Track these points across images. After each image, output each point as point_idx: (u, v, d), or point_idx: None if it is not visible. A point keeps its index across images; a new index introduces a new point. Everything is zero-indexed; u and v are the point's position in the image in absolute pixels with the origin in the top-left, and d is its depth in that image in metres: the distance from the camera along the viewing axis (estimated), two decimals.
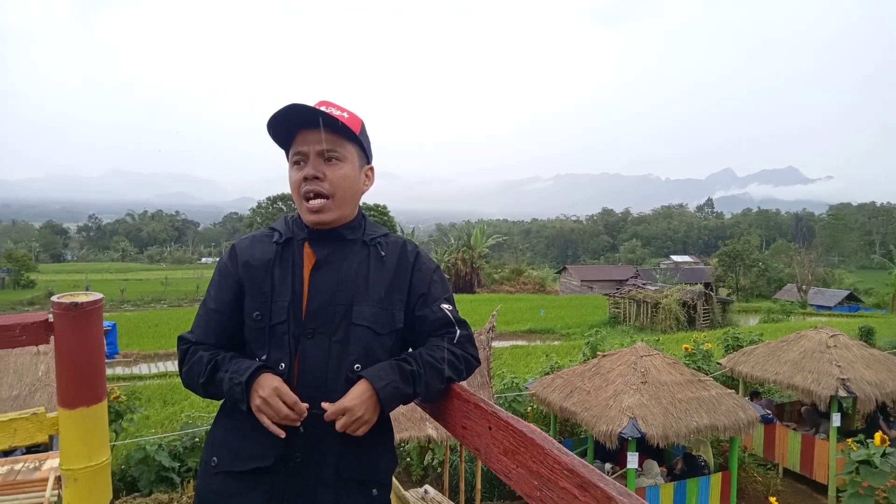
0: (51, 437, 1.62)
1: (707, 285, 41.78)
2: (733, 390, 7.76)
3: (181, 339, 1.65)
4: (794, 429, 9.14)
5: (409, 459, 9.38)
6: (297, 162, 1.60)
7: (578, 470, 0.99)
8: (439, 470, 8.92)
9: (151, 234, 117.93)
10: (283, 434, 1.44)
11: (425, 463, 9.22)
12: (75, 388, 1.46)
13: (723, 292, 46.30)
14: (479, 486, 7.44)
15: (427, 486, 5.23)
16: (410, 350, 1.65)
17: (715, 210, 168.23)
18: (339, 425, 1.45)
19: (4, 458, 5.65)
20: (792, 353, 8.99)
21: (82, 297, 1.45)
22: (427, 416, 6.66)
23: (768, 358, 9.22)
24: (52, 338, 1.49)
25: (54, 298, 1.47)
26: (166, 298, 47.85)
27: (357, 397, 1.46)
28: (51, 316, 1.47)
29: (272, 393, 1.42)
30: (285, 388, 1.45)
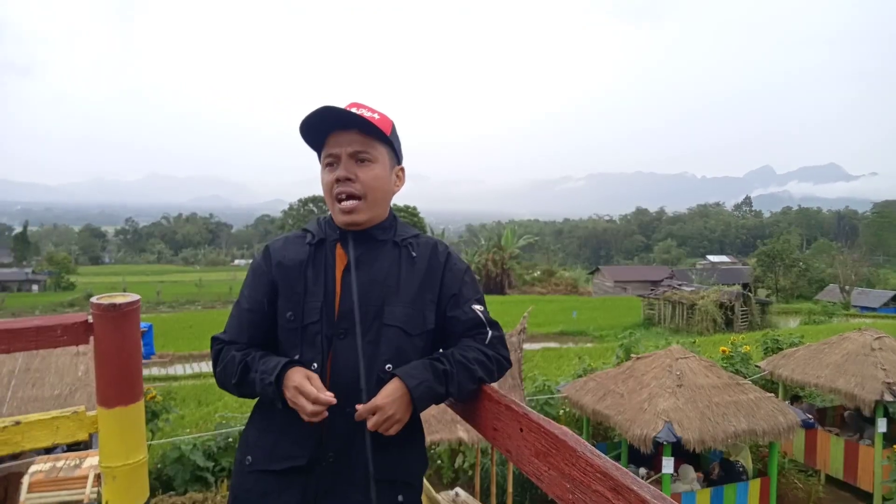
0: (90, 436, 1.65)
1: (745, 286, 40.94)
2: (773, 394, 7.55)
3: (214, 339, 1.67)
4: (837, 434, 8.87)
5: (439, 462, 9.38)
6: (329, 164, 1.62)
7: (612, 473, 0.97)
8: (470, 473, 8.90)
9: (186, 237, 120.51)
10: (324, 415, 1.42)
11: (456, 466, 9.20)
12: (114, 388, 1.49)
13: (761, 293, 45.29)
14: (510, 489, 7.39)
15: (458, 489, 5.22)
16: (442, 350, 1.64)
17: (753, 209, 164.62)
18: (371, 424, 1.44)
19: (47, 455, 5.82)
20: (834, 356, 8.73)
21: (120, 299, 1.48)
22: (458, 418, 6.65)
23: (809, 361, 8.96)
24: (91, 338, 1.52)
25: (93, 300, 1.49)
26: (200, 300, 48.83)
27: (389, 395, 1.45)
28: (90, 317, 1.50)
29: (303, 380, 1.43)
30: (315, 378, 1.46)
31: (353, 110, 1.58)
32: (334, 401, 1.43)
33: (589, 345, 26.04)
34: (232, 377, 1.56)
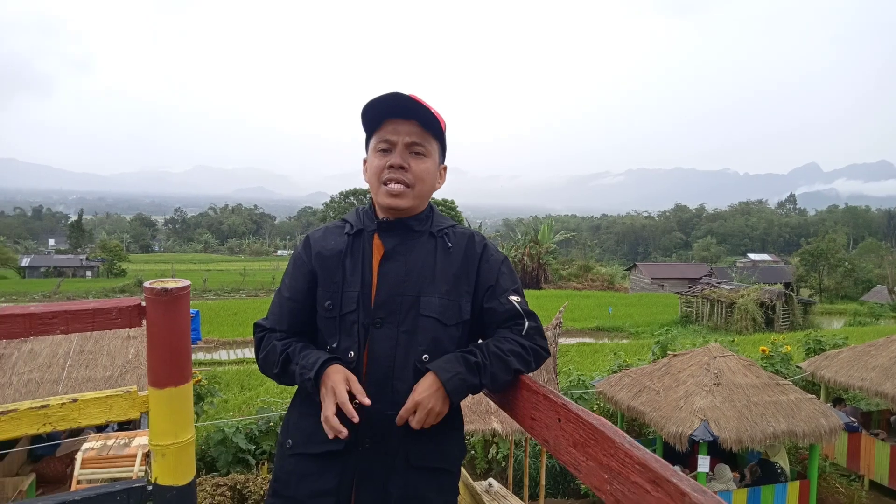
0: (140, 416, 1.74)
1: (787, 285, 39.78)
2: (814, 395, 7.38)
3: (257, 325, 1.72)
4: (883, 439, 8.60)
5: (473, 452, 9.44)
6: (383, 149, 1.63)
7: (651, 465, 0.97)
8: (503, 464, 8.94)
9: (231, 227, 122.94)
10: (343, 434, 1.46)
11: (489, 456, 9.25)
12: (164, 369, 1.56)
13: (804, 293, 43.95)
14: (543, 482, 7.40)
15: (491, 480, 5.25)
16: (480, 341, 1.66)
17: (797, 206, 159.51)
18: (414, 422, 1.48)
19: (98, 434, 6.08)
20: (881, 359, 8.47)
21: (172, 284, 1.54)
22: (492, 409, 6.69)
23: (854, 363, 8.71)
24: (143, 321, 1.60)
25: (146, 284, 1.56)
26: (244, 288, 49.80)
27: (426, 390, 1.49)
28: (143, 301, 1.58)
29: (339, 384, 1.47)
30: (353, 379, 1.49)
31: (405, 94, 1.60)
32: (368, 402, 1.46)
33: (624, 341, 25.72)
34: (273, 367, 1.62)
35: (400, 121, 1.61)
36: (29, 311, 1.53)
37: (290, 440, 1.64)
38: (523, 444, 8.30)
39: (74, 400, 1.61)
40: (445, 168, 1.75)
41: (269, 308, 1.73)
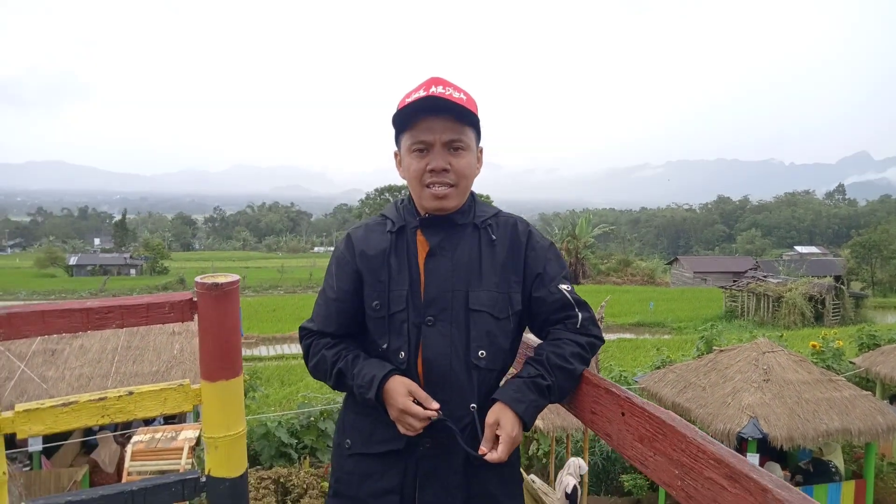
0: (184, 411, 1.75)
1: (837, 278, 38.48)
2: (869, 392, 7.12)
3: (303, 329, 1.69)
4: None
5: None
6: (419, 150, 1.57)
7: (727, 460, 0.93)
8: (544, 461, 8.87)
9: (269, 225, 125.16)
10: (424, 424, 1.46)
11: (530, 453, 9.19)
12: (216, 363, 1.57)
13: (855, 286, 42.48)
14: (586, 479, 7.32)
15: (533, 476, 5.21)
16: (536, 347, 1.59)
17: (847, 197, 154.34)
18: (500, 454, 1.44)
19: (146, 427, 6.24)
20: None
21: (222, 278, 1.55)
22: None
23: None
24: (195, 315, 1.62)
25: (198, 279, 1.57)
26: (282, 285, 50.64)
27: (514, 428, 1.46)
28: (195, 295, 1.59)
29: (406, 401, 1.45)
30: (416, 388, 1.48)
31: (440, 88, 1.53)
32: (437, 410, 1.45)
33: (667, 336, 25.30)
34: (327, 379, 1.61)
35: (433, 118, 1.54)
36: (86, 306, 1.56)
37: (348, 440, 1.63)
38: (564, 440, 8.22)
39: (130, 393, 1.63)
40: (482, 150, 1.69)
41: (314, 309, 1.70)
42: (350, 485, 1.60)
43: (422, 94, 1.53)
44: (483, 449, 1.46)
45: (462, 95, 1.56)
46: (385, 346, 1.55)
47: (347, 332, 1.64)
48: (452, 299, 1.54)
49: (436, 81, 1.56)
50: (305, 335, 1.69)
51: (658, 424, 1.12)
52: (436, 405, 1.46)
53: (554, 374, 1.49)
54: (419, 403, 1.46)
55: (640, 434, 1.18)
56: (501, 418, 1.46)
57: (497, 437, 1.45)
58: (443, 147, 1.55)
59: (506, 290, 1.57)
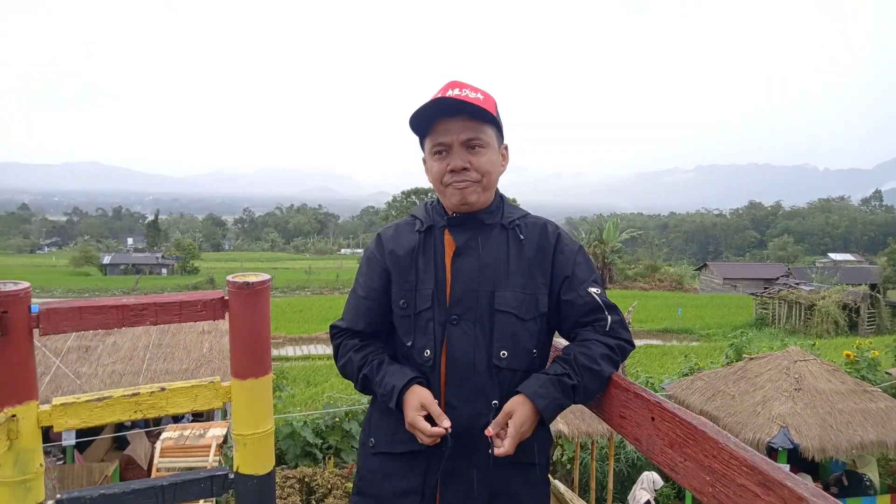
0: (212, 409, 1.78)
1: (873, 287, 37.50)
2: None
3: (333, 328, 1.73)
4: None
5: None
6: (439, 152, 1.60)
7: (761, 467, 0.91)
8: (569, 467, 8.79)
9: (297, 227, 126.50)
10: (433, 441, 1.47)
11: (554, 459, 9.13)
12: (246, 360, 1.59)
13: (892, 295, 41.33)
14: (611, 486, 7.25)
15: (556, 482, 5.17)
16: (564, 348, 1.60)
17: (884, 203, 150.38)
18: (506, 447, 1.45)
19: (175, 425, 6.35)
20: None
21: (253, 278, 1.58)
22: None
23: None
24: (226, 314, 1.65)
25: (229, 278, 1.61)
26: (309, 286, 51.08)
27: (527, 421, 1.47)
28: (226, 294, 1.62)
29: (415, 416, 1.47)
30: (430, 402, 1.49)
31: (456, 91, 1.55)
32: (447, 428, 1.46)
33: (695, 343, 24.92)
34: (354, 381, 1.65)
35: (449, 119, 1.56)
36: (122, 303, 1.59)
37: (372, 439, 1.65)
38: (589, 446, 8.15)
39: (163, 389, 1.66)
40: (506, 147, 1.70)
41: (345, 308, 1.73)
42: (373, 483, 1.62)
43: (431, 100, 1.56)
44: (490, 430, 1.47)
45: (478, 95, 1.57)
46: (410, 343, 1.57)
47: (376, 331, 1.67)
48: (477, 299, 1.54)
49: (452, 85, 1.59)
50: (335, 334, 1.72)
51: (689, 429, 1.10)
52: (447, 423, 1.46)
53: (581, 375, 1.48)
54: (430, 418, 1.47)
55: (670, 439, 1.17)
56: (517, 409, 1.47)
57: (507, 426, 1.46)
58: (461, 146, 1.57)
59: (532, 291, 1.57)
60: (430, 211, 1.68)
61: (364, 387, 1.62)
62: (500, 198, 1.69)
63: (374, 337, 1.67)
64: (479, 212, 1.62)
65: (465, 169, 1.56)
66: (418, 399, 1.49)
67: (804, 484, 0.85)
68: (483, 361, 1.53)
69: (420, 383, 1.53)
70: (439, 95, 1.57)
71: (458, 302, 1.55)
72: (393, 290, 1.62)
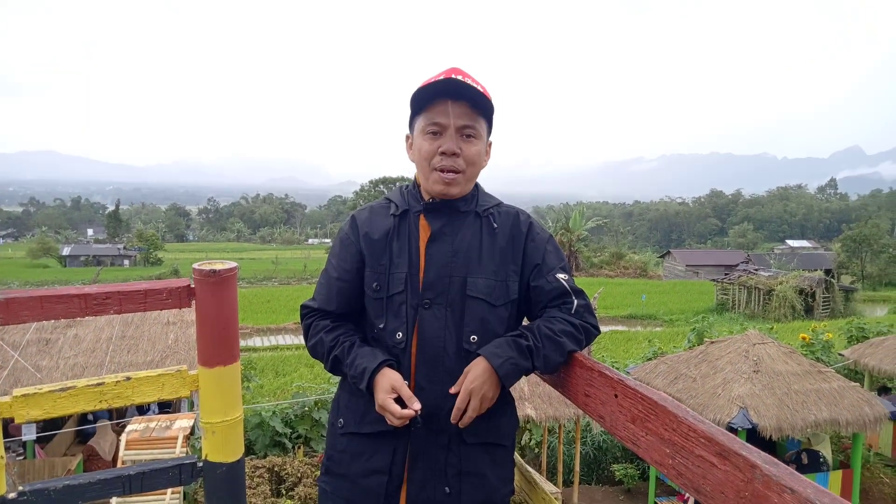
0: (178, 400, 1.77)
1: (828, 272, 38.76)
2: (857, 384, 7.20)
3: (304, 307, 1.73)
4: None
5: None
6: (433, 132, 1.59)
7: (717, 438, 0.95)
8: (537, 451, 8.93)
9: (263, 217, 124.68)
10: (403, 423, 1.49)
11: (522, 443, 9.26)
12: (213, 348, 1.58)
13: (845, 280, 42.84)
14: (577, 468, 7.39)
15: (522, 461, 5.25)
16: (526, 322, 1.65)
17: (839, 191, 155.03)
18: (469, 412, 1.49)
19: (140, 417, 6.24)
20: None
21: (220, 265, 1.56)
22: (526, 395, 6.67)
23: None
24: (192, 302, 1.63)
25: (195, 266, 1.59)
26: (277, 276, 50.53)
27: (479, 377, 1.49)
28: (192, 282, 1.60)
29: (386, 398, 1.48)
30: (400, 385, 1.50)
31: (459, 77, 1.56)
32: (417, 410, 1.47)
33: (658, 329, 25.42)
34: (324, 362, 1.65)
35: (450, 101, 1.56)
36: (84, 292, 1.57)
37: (341, 420, 1.66)
38: (556, 430, 8.28)
39: (128, 378, 1.64)
40: (490, 144, 1.72)
41: (316, 288, 1.73)
42: (341, 463, 1.63)
43: (442, 78, 1.56)
44: (453, 389, 1.50)
45: (478, 87, 1.59)
46: (382, 326, 1.59)
47: (347, 312, 1.68)
48: (450, 284, 1.57)
49: (455, 71, 1.60)
50: (306, 314, 1.72)
51: (650, 405, 1.14)
52: (417, 405, 1.47)
53: (541, 341, 1.52)
54: (400, 401, 1.48)
55: (632, 415, 1.20)
56: (472, 368, 1.50)
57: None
58: (456, 132, 1.58)
59: (503, 278, 1.60)
60: (406, 195, 1.69)
61: (334, 367, 1.63)
62: (475, 187, 1.72)
63: (344, 318, 1.68)
64: (455, 199, 1.64)
65: (455, 154, 1.58)
66: (389, 381, 1.50)
67: (758, 452, 0.89)
68: (453, 345, 1.55)
69: (391, 366, 1.55)
70: (442, 77, 1.57)
71: (431, 286, 1.57)
72: (366, 273, 1.62)
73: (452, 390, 1.51)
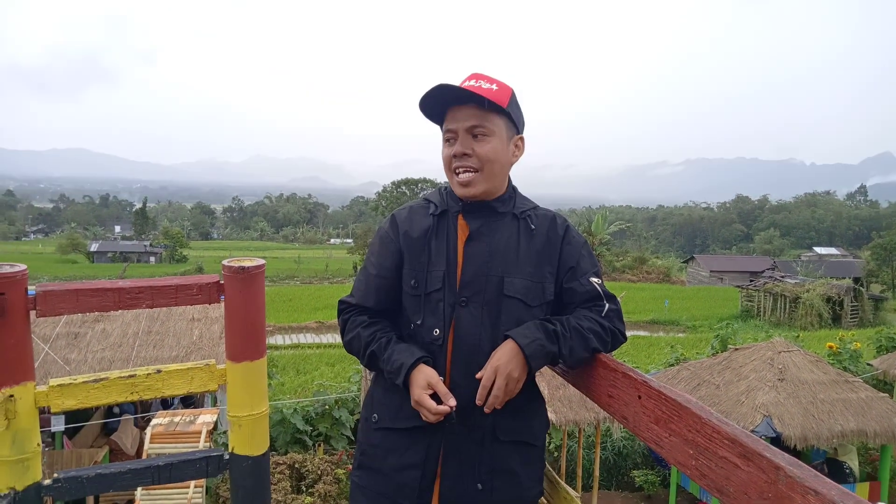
0: (202, 395, 1.81)
1: (857, 280, 37.97)
2: (886, 394, 7.06)
3: (342, 303, 1.76)
4: None
5: None
6: (448, 139, 1.66)
7: (741, 439, 0.95)
8: (556, 454, 8.89)
9: (286, 216, 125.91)
10: (438, 419, 1.51)
11: None
12: (241, 343, 1.62)
13: (875, 288, 41.89)
14: (597, 473, 7.34)
15: (547, 465, 5.24)
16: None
17: (869, 198, 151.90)
18: (495, 391, 1.50)
19: (165, 411, 6.35)
20: None
21: (248, 262, 1.60)
22: (546, 399, 6.65)
23: None
24: (221, 298, 1.67)
25: (225, 262, 1.63)
26: (299, 276, 50.93)
27: (505, 355, 1.51)
28: (222, 278, 1.64)
29: (422, 394, 1.51)
30: (436, 382, 1.52)
31: (472, 83, 1.60)
32: (452, 407, 1.49)
33: (681, 335, 25.14)
34: (360, 357, 1.68)
35: (458, 107, 1.62)
36: (118, 286, 1.61)
37: (375, 415, 1.69)
38: (576, 434, 8.24)
39: (159, 371, 1.68)
40: (522, 138, 1.73)
41: (355, 284, 1.76)
42: (375, 458, 1.66)
43: (433, 87, 1.60)
44: (479, 374, 1.52)
45: (492, 86, 1.61)
46: (419, 322, 1.61)
47: (384, 309, 1.71)
48: (487, 283, 1.60)
49: (473, 76, 1.64)
50: (344, 309, 1.76)
51: (674, 406, 1.14)
52: (453, 402, 1.50)
53: (568, 331, 1.54)
54: (436, 397, 1.51)
55: (656, 416, 1.21)
56: (499, 348, 1.53)
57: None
58: (465, 133, 1.62)
59: (540, 279, 1.63)
60: (445, 196, 1.73)
61: (370, 362, 1.66)
62: (512, 189, 1.74)
63: (381, 315, 1.71)
64: (493, 200, 1.68)
65: (466, 154, 1.61)
66: (425, 378, 1.53)
67: (781, 454, 0.89)
68: (489, 343, 1.57)
69: (427, 363, 1.57)
70: (436, 86, 1.61)
71: (468, 285, 1.60)
72: (405, 270, 1.66)
73: (479, 375, 1.53)
